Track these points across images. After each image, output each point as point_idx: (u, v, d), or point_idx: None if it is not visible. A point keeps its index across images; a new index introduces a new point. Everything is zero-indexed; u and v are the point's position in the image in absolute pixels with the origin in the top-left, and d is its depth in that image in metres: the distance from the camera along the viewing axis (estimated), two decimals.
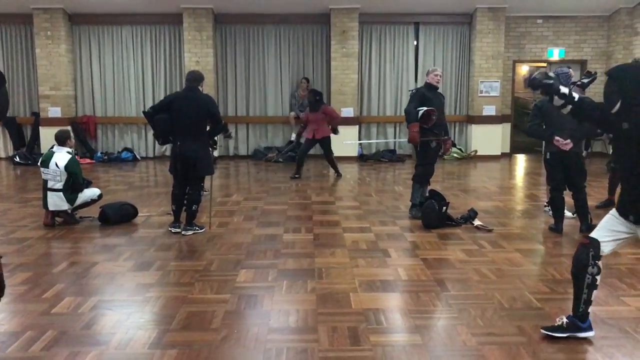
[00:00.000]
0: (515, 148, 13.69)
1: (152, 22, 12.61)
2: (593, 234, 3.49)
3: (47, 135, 11.69)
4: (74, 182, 6.49)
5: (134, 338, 3.60)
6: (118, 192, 8.66)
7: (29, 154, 12.22)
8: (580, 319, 3.51)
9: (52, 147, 6.66)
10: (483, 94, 12.72)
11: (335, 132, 10.27)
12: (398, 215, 7.07)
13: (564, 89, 3.53)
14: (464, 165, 11.88)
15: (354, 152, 12.62)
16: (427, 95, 6.73)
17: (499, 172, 11.30)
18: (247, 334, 3.65)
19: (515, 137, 13.57)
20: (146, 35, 12.71)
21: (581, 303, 3.47)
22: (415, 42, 13.01)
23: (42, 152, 11.18)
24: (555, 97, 3.57)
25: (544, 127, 6.07)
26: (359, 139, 12.84)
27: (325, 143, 10.14)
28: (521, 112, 17.29)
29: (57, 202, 6.46)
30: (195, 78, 6.27)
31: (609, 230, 3.45)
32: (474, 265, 5.07)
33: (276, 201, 7.98)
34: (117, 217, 6.61)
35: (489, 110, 12.76)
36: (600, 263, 3.40)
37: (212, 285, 4.57)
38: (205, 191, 7.28)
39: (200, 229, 6.24)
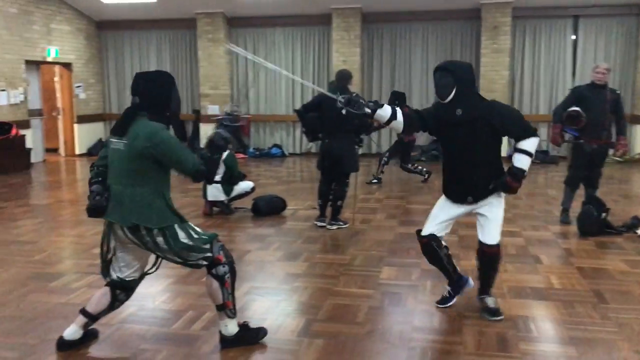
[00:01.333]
0: None
1: (302, 24, 13.07)
2: (426, 230, 3.94)
3: (206, 132, 12.55)
4: (230, 175, 6.94)
5: (283, 325, 3.78)
6: (268, 185, 9.10)
7: (191, 149, 13.20)
8: (458, 281, 4.06)
9: None
10: None
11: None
12: (551, 220, 6.68)
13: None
14: (626, 169, 10.92)
15: (503, 151, 12.09)
16: (584, 94, 6.25)
17: None
18: (391, 331, 3.67)
19: None
20: (296, 36, 13.20)
21: (450, 273, 4.04)
22: (573, 37, 12.19)
23: (201, 146, 12.05)
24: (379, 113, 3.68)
25: None
26: (508, 139, 12.28)
27: (407, 147, 9.66)
28: None
29: (215, 193, 6.95)
30: (344, 77, 6.40)
31: (441, 219, 3.94)
32: (637, 277, 4.67)
33: (419, 200, 7.91)
34: (268, 209, 6.97)
35: None
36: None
37: (356, 279, 4.65)
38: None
39: (344, 224, 6.38)
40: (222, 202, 7.03)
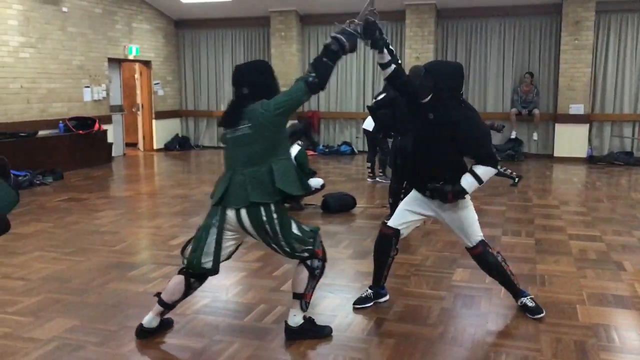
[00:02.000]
0: None
1: None
2: (394, 223, 3.87)
3: None
4: (303, 171, 6.98)
5: (353, 322, 3.77)
6: (337, 182, 9.11)
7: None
8: (380, 290, 4.04)
9: None
10: None
11: None
12: (635, 224, 6.34)
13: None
14: None
15: (582, 152, 11.62)
16: None
17: None
18: (463, 333, 3.59)
19: None
20: None
21: (382, 277, 4.02)
22: None
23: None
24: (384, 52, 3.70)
25: None
26: (589, 139, 11.78)
27: None
28: None
29: None
30: (416, 73, 6.28)
31: (409, 219, 3.89)
32: None
33: (493, 201, 7.70)
34: (338, 206, 6.97)
35: None
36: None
37: (428, 280, 4.58)
38: None
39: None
40: (293, 198, 7.08)
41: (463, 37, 12.59)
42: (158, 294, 3.53)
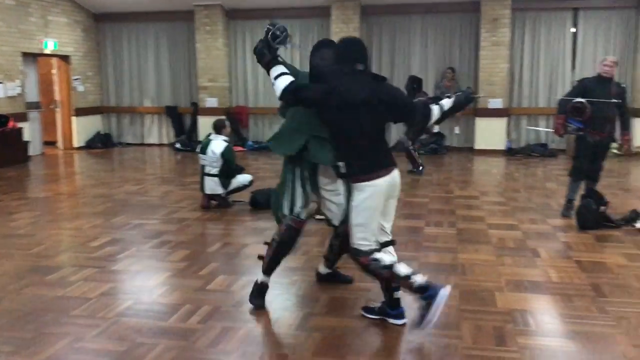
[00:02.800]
0: None
1: (301, 16, 12.96)
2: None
3: (204, 124, 12.58)
4: (228, 168, 6.91)
5: (281, 318, 3.77)
6: (267, 179, 9.05)
7: (188, 142, 13.21)
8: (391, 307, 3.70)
9: (209, 135, 7.12)
10: None
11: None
12: (549, 213, 6.67)
13: None
14: (625, 162, 10.90)
15: (501, 145, 12.10)
16: (590, 86, 6.23)
17: None
18: (388, 324, 3.66)
19: None
20: (295, 28, 13.08)
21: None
22: (573, 30, 12.14)
23: (199, 139, 12.04)
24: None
25: None
26: (507, 132, 12.29)
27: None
28: None
29: (213, 186, 6.93)
30: None
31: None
32: (635, 271, 4.65)
33: (416, 194, 7.89)
34: (266, 202, 6.92)
35: None
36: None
37: (355, 273, 4.63)
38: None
39: None
40: (219, 195, 7.01)
41: (387, 34, 12.81)
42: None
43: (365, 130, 3.42)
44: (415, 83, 9.48)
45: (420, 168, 9.46)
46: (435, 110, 3.69)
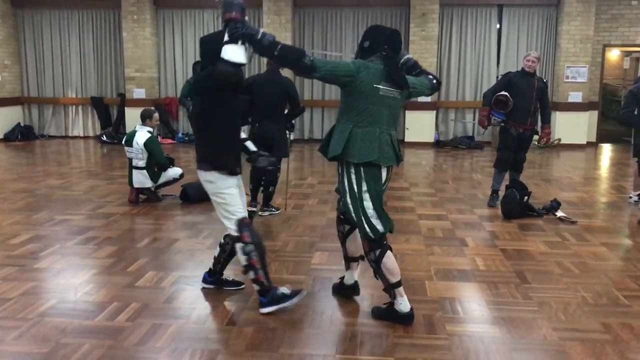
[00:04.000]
0: (602, 137, 13.02)
1: None
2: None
3: (132, 116, 12.20)
4: (156, 161, 6.72)
5: (212, 314, 3.71)
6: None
7: (115, 134, 12.79)
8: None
9: (135, 127, 6.91)
10: (569, 80, 12.15)
11: None
12: (476, 203, 6.89)
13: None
14: (546, 153, 11.42)
15: (430, 137, 12.40)
16: (514, 80, 6.50)
17: (583, 161, 10.79)
18: (322, 315, 3.67)
19: (602, 125, 12.89)
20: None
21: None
22: (498, 25, 12.57)
23: (127, 131, 11.66)
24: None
25: (637, 114, 5.73)
26: (436, 125, 12.61)
27: None
28: (610, 100, 16.43)
29: (141, 179, 6.73)
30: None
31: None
32: (556, 257, 4.88)
33: None
34: (198, 196, 6.78)
35: (575, 97, 12.18)
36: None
37: (288, 265, 4.63)
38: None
39: (277, 211, 6.33)
40: (148, 189, 6.82)
41: (319, 26, 12.83)
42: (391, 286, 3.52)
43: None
44: None
45: None
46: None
